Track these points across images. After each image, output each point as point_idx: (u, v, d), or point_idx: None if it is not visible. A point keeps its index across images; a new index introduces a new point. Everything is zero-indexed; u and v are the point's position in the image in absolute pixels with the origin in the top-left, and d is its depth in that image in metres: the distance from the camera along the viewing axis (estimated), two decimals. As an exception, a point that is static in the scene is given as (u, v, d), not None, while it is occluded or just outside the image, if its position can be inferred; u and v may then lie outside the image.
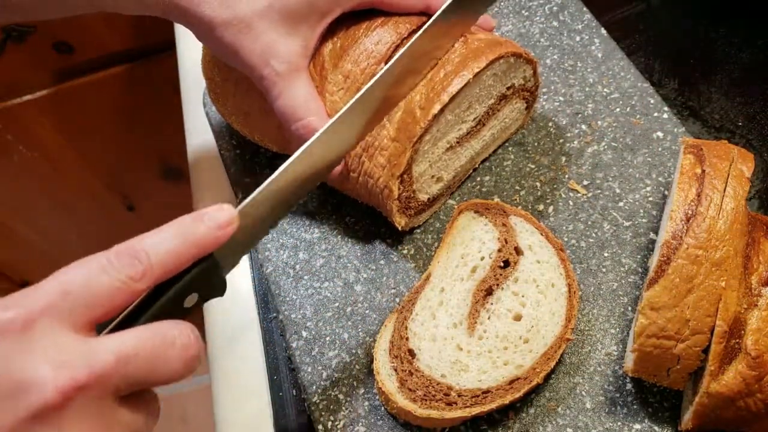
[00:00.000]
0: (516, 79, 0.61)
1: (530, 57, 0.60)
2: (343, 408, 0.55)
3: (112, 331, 0.37)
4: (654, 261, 0.48)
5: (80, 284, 0.35)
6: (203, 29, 0.57)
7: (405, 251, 0.62)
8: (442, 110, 0.55)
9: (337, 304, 0.60)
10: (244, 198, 0.66)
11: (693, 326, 0.43)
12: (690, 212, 0.45)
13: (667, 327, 0.44)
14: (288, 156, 0.64)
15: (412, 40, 0.53)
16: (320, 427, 0.55)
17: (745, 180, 0.45)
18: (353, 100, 0.50)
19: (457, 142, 0.60)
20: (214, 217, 0.40)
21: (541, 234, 0.58)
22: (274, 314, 0.63)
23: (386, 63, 0.58)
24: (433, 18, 0.54)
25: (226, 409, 0.62)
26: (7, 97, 1.12)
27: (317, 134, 0.49)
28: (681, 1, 0.74)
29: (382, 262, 0.61)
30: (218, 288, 0.44)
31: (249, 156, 0.69)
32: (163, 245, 0.38)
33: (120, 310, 0.37)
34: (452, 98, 0.55)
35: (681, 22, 0.73)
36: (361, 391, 0.56)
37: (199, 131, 0.76)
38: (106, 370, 0.34)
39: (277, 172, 0.46)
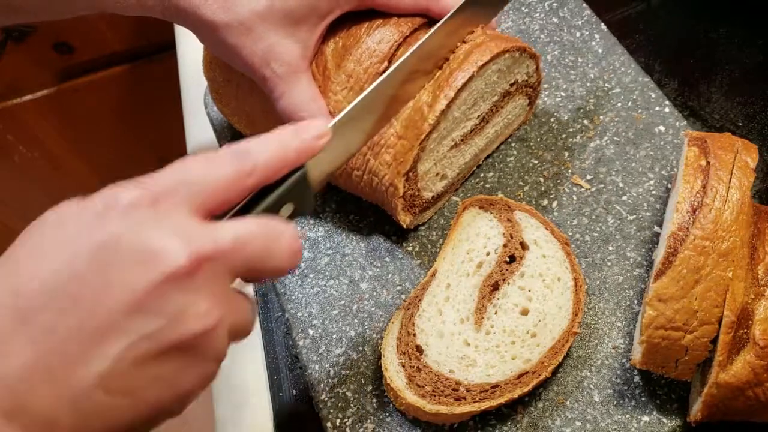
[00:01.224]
0: (519, 74, 0.61)
1: (533, 52, 0.60)
2: (352, 405, 0.55)
3: None
4: (660, 253, 0.49)
5: (200, 173, 0.37)
6: (204, 32, 0.57)
7: (410, 248, 0.62)
8: (449, 106, 0.55)
9: (343, 302, 0.60)
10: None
11: (701, 317, 0.44)
12: (696, 204, 0.45)
13: (675, 318, 0.44)
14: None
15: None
16: (329, 424, 0.55)
17: (749, 171, 0.46)
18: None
19: (462, 140, 0.60)
20: (310, 128, 0.43)
21: (546, 228, 0.58)
22: (280, 313, 0.63)
23: (389, 61, 0.58)
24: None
25: (226, 409, 0.62)
26: (8, 97, 1.12)
27: (393, 67, 0.51)
28: (681, 1, 0.74)
29: (387, 259, 0.61)
30: (308, 202, 0.46)
31: (252, 156, 0.69)
32: (268, 148, 0.40)
33: (230, 205, 0.39)
34: (458, 93, 0.55)
35: (681, 22, 0.73)
36: (369, 388, 0.56)
37: (199, 131, 0.76)
38: (228, 248, 0.36)
39: (358, 99, 0.49)
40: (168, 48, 0.96)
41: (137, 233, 0.34)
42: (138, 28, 1.08)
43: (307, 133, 0.43)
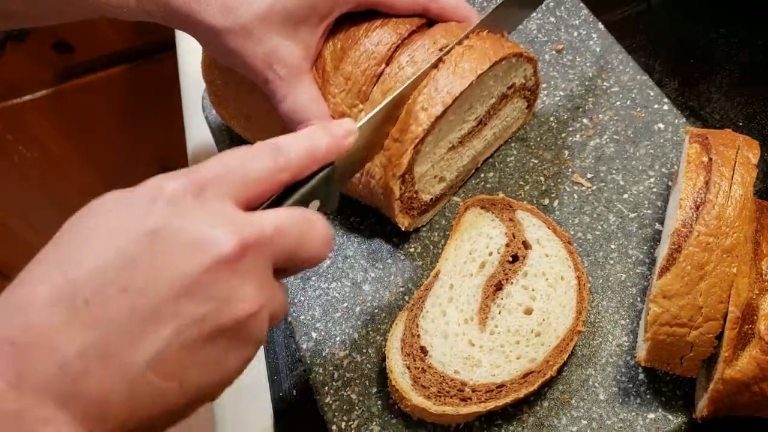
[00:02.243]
0: (517, 78, 0.61)
1: (530, 56, 0.60)
2: (357, 408, 0.55)
3: None
4: (663, 250, 0.49)
5: (238, 165, 0.39)
6: (205, 36, 0.57)
7: (412, 249, 0.62)
8: (444, 111, 0.55)
9: (345, 304, 0.60)
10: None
11: (706, 313, 0.44)
12: (699, 200, 0.45)
13: (680, 315, 0.44)
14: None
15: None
16: (334, 427, 0.55)
17: (751, 167, 0.46)
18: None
19: (459, 142, 0.60)
20: (340, 126, 0.46)
21: (548, 227, 0.58)
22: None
23: (387, 63, 0.58)
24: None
25: (226, 409, 0.62)
26: (7, 97, 1.12)
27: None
28: (681, 1, 0.74)
29: (389, 260, 0.61)
30: (333, 200, 0.48)
31: (252, 159, 0.69)
32: (300, 145, 0.43)
33: (265, 198, 0.41)
34: (455, 99, 0.55)
35: (681, 22, 0.73)
36: (374, 390, 0.56)
37: (199, 131, 0.76)
38: (269, 236, 0.38)
39: (384, 102, 0.52)
40: (168, 48, 0.96)
41: (186, 221, 0.36)
42: (138, 27, 1.08)
43: (337, 131, 0.45)
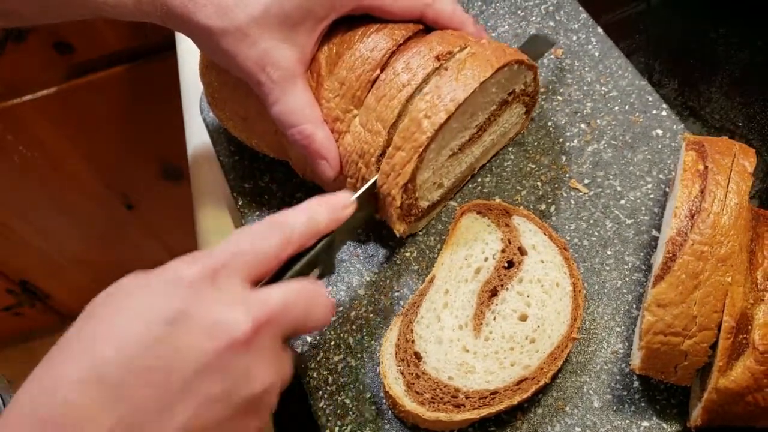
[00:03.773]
0: (517, 84, 0.61)
1: (531, 63, 0.60)
2: (350, 413, 0.55)
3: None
4: (658, 258, 0.48)
5: (248, 246, 0.43)
6: (201, 37, 0.57)
7: (408, 254, 0.62)
8: (447, 119, 0.55)
9: (341, 309, 0.60)
10: (244, 204, 0.66)
11: (700, 322, 0.43)
12: (694, 208, 0.45)
13: (674, 323, 0.44)
14: (285, 162, 0.65)
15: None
16: (327, 432, 0.55)
17: (747, 175, 0.46)
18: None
19: (459, 149, 0.60)
20: (336, 201, 0.49)
21: (544, 233, 0.58)
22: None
23: (382, 69, 0.58)
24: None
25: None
26: (7, 97, 1.12)
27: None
28: (681, 1, 0.74)
29: (384, 265, 0.61)
30: (332, 266, 0.52)
31: (248, 161, 0.69)
32: (301, 221, 0.46)
33: (271, 273, 0.45)
34: (458, 107, 0.55)
35: (681, 22, 0.73)
36: (368, 395, 0.56)
37: (199, 131, 0.76)
38: (278, 312, 0.41)
39: (373, 178, 0.56)
40: (168, 48, 0.96)
41: (203, 305, 0.39)
42: (138, 28, 1.08)
43: (335, 204, 0.49)
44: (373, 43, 0.58)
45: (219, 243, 0.44)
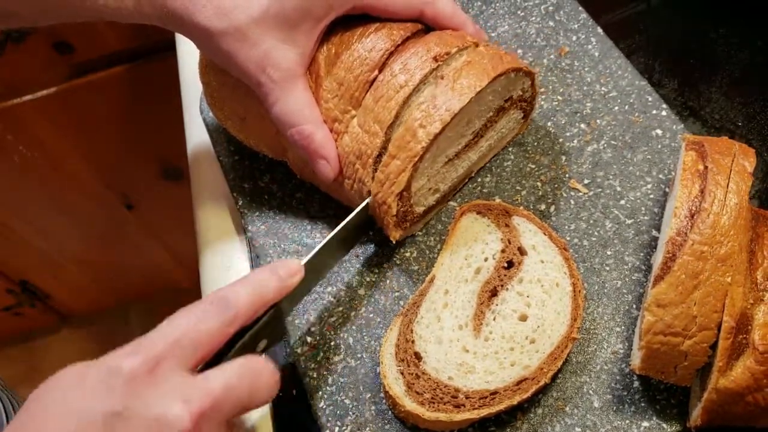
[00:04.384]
0: (514, 91, 0.61)
1: (530, 70, 0.59)
2: (350, 413, 0.55)
3: (205, 369, 0.44)
4: (658, 258, 0.48)
5: (190, 330, 0.43)
6: (200, 38, 0.57)
7: (407, 254, 0.62)
8: (442, 129, 0.55)
9: (341, 309, 0.60)
10: (244, 204, 0.66)
11: (700, 322, 0.43)
12: (694, 209, 0.45)
13: (674, 324, 0.44)
14: (285, 162, 0.65)
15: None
16: (327, 432, 0.54)
17: (747, 175, 0.46)
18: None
19: (455, 156, 0.60)
20: (284, 269, 0.49)
21: (544, 234, 0.58)
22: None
23: (380, 70, 0.58)
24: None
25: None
26: (7, 97, 1.13)
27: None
28: (681, 1, 0.74)
29: (384, 265, 0.61)
30: (281, 333, 0.53)
31: (248, 162, 0.69)
32: (246, 295, 0.46)
33: (215, 351, 0.44)
34: (453, 117, 0.55)
35: (681, 22, 0.73)
36: (368, 395, 0.56)
37: (199, 131, 0.76)
38: (220, 398, 0.41)
39: (334, 232, 0.55)
40: (168, 48, 0.96)
41: (143, 401, 0.39)
42: (138, 28, 1.08)
43: (282, 272, 0.48)
44: (372, 43, 0.58)
45: (158, 327, 0.43)
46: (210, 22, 0.55)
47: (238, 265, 0.69)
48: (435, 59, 0.56)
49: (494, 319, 0.55)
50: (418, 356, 0.54)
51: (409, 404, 0.52)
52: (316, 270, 0.55)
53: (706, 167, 0.47)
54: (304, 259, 0.52)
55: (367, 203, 0.58)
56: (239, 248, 0.69)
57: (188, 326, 0.43)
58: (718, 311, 0.43)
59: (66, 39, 1.06)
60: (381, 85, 0.57)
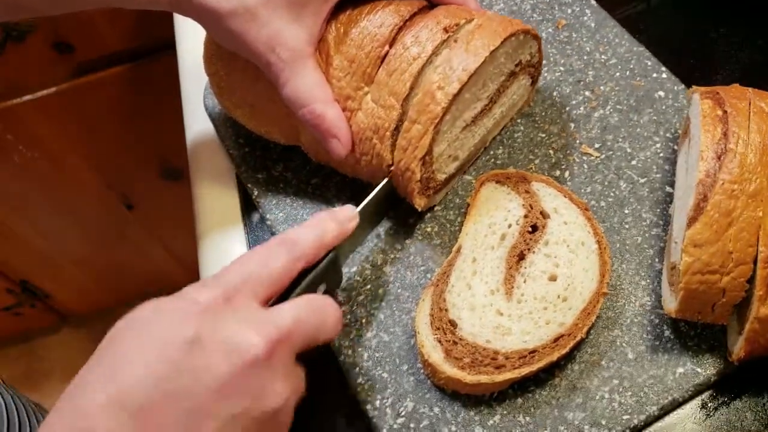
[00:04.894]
0: (523, 55, 0.62)
1: (536, 33, 0.61)
2: (389, 386, 0.55)
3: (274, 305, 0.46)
4: (678, 208, 0.50)
5: (261, 267, 0.45)
6: (209, 19, 0.57)
7: (429, 229, 0.62)
8: (460, 89, 0.56)
9: (368, 287, 0.60)
10: (260, 194, 0.66)
11: (736, 258, 0.45)
12: (720, 150, 0.47)
13: (711, 262, 0.45)
14: (298, 149, 0.65)
15: None
16: (369, 407, 0.55)
17: (765, 115, 0.47)
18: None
19: (472, 121, 0.61)
20: (342, 214, 0.52)
21: (564, 196, 0.59)
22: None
23: (390, 45, 0.59)
24: None
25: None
26: (7, 97, 1.11)
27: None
28: (681, 1, 0.75)
29: (407, 241, 0.62)
30: (338, 279, 0.54)
31: (259, 152, 0.69)
32: (310, 235, 0.48)
33: (283, 289, 0.46)
34: (470, 77, 0.56)
35: (681, 22, 0.73)
36: (405, 367, 0.56)
37: (199, 131, 0.75)
38: (290, 330, 0.43)
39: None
40: (168, 47, 0.96)
41: (219, 329, 0.40)
42: (138, 27, 1.07)
43: (341, 216, 0.51)
44: (380, 19, 0.59)
45: (230, 264, 0.45)
46: (218, 3, 0.55)
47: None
48: (445, 30, 0.57)
49: (525, 282, 0.56)
50: (453, 324, 0.55)
51: (450, 370, 0.52)
52: (361, 227, 0.56)
53: (725, 111, 0.48)
54: (359, 207, 0.54)
55: (390, 178, 0.58)
56: (240, 248, 0.69)
57: (259, 263, 0.45)
58: (753, 245, 0.45)
59: (66, 39, 1.05)
60: (393, 59, 0.58)
